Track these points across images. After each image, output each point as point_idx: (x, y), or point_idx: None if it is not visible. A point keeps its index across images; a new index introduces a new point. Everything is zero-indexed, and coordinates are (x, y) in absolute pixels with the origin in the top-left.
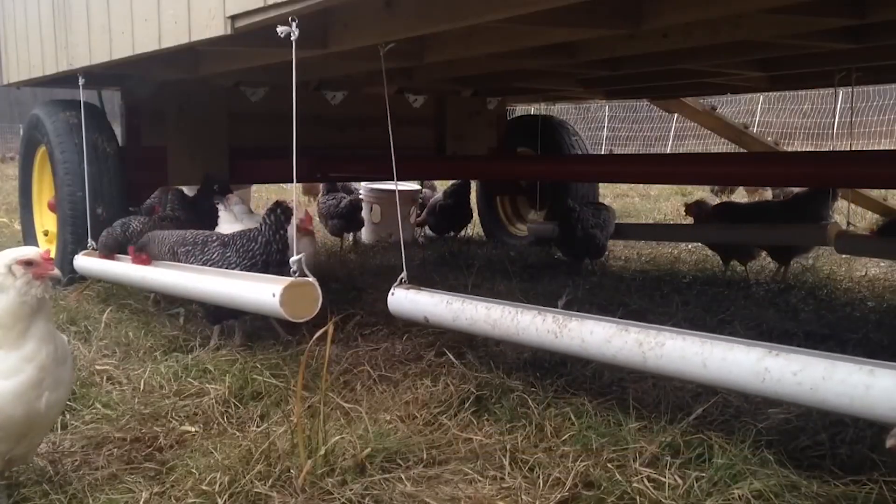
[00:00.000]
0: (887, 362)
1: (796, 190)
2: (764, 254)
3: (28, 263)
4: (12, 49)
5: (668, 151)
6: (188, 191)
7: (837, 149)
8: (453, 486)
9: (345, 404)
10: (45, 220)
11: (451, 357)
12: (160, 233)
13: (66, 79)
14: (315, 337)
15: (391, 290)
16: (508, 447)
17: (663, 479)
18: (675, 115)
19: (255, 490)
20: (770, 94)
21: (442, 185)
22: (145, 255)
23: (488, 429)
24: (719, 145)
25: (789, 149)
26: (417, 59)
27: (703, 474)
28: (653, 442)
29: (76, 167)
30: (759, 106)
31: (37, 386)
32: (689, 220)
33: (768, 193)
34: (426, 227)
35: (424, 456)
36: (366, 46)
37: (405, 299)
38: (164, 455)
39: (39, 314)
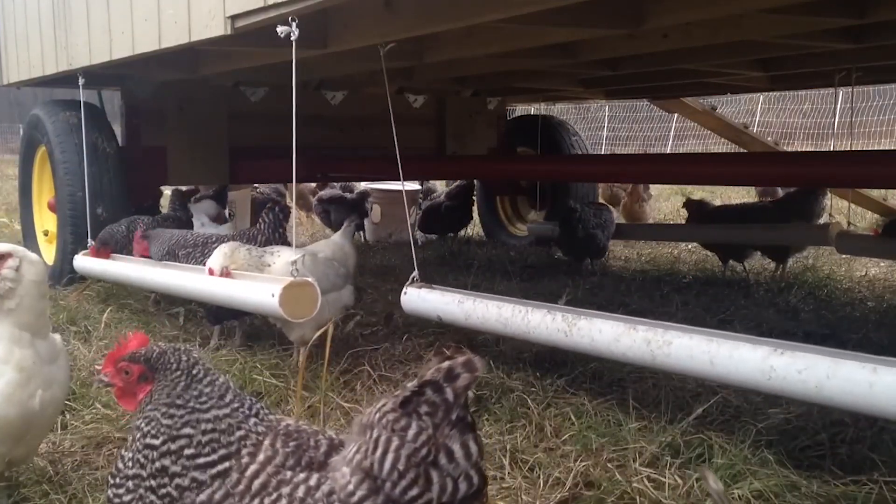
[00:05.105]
0: (890, 358)
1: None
2: (759, 253)
3: None
4: (12, 49)
5: (668, 151)
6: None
7: (837, 149)
8: None
9: (345, 404)
10: (45, 220)
11: None
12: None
13: (66, 79)
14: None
15: (404, 290)
16: (508, 447)
17: (663, 479)
18: (675, 115)
19: None
20: (770, 94)
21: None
22: (146, 244)
23: (488, 428)
24: (719, 145)
25: (789, 149)
26: (417, 58)
27: None
28: (653, 442)
29: (76, 167)
30: (759, 106)
31: (24, 385)
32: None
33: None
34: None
35: None
36: (366, 46)
37: (418, 298)
38: None
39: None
